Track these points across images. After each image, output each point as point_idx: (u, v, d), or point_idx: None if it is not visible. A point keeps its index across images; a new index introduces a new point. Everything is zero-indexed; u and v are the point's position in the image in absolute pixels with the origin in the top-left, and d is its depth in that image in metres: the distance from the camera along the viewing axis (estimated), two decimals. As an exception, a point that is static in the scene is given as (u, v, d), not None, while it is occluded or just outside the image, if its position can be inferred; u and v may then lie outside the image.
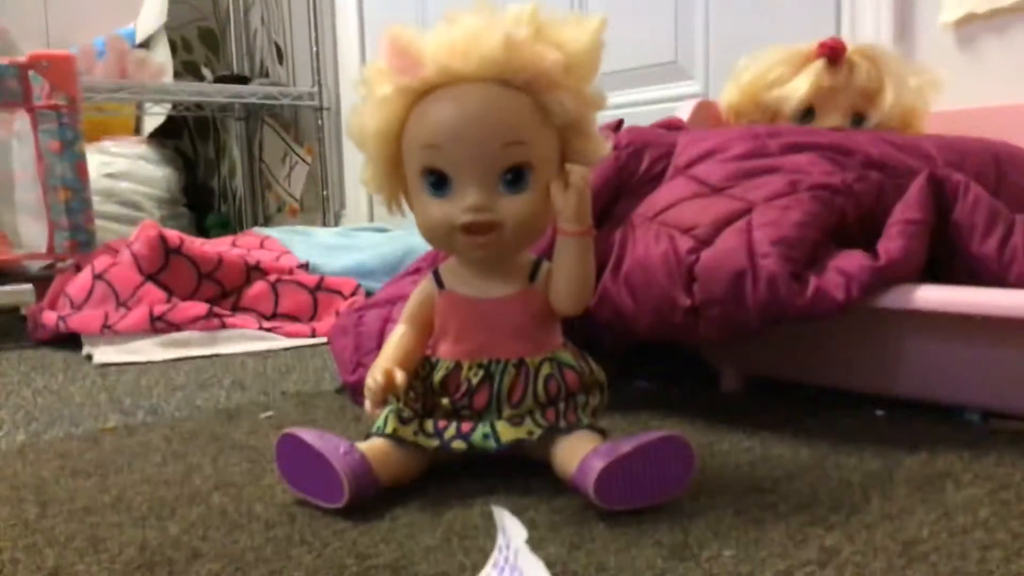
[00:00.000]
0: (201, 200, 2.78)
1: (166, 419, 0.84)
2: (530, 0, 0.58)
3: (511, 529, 0.50)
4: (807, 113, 1.03)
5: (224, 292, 1.37)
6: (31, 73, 1.45)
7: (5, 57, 1.48)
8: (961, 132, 0.94)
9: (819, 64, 1.01)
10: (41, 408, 0.91)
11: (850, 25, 1.28)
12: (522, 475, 0.61)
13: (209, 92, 2.29)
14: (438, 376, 0.62)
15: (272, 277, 1.39)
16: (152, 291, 1.30)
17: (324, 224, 2.31)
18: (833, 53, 1.01)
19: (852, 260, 0.70)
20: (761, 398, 0.82)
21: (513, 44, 0.56)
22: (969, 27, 1.17)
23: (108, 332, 1.24)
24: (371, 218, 2.24)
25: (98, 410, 0.89)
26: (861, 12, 1.27)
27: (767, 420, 0.75)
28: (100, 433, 0.79)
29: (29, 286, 1.55)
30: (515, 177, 0.58)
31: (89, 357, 1.19)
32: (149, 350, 1.19)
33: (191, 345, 1.22)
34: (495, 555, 0.48)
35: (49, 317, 1.31)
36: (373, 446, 0.60)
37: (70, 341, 1.28)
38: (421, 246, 1.43)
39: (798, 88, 1.01)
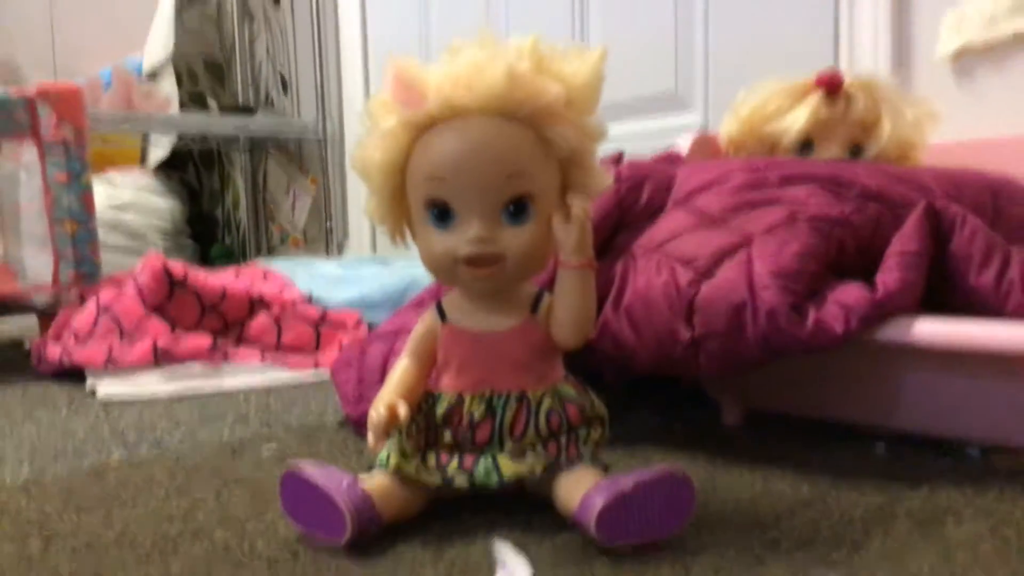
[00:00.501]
0: (205, 231, 2.80)
1: (169, 453, 0.84)
2: (531, 33, 0.59)
3: (513, 564, 0.51)
4: (806, 145, 1.04)
5: (227, 324, 1.37)
6: (39, 105, 1.47)
7: (13, 88, 1.50)
8: (959, 164, 0.95)
9: (817, 96, 1.02)
10: (45, 443, 0.91)
11: (848, 58, 1.30)
12: (524, 510, 0.61)
13: (214, 124, 2.31)
14: (440, 410, 0.63)
15: (275, 310, 1.39)
16: (156, 324, 1.31)
17: (327, 254, 2.32)
18: (831, 86, 1.02)
19: (851, 292, 0.71)
20: (763, 432, 0.82)
21: (515, 77, 0.57)
22: (966, 60, 1.19)
23: (112, 366, 1.24)
24: (374, 249, 2.25)
25: (101, 444, 0.89)
26: (859, 45, 1.28)
27: (769, 454, 0.75)
28: (104, 468, 0.80)
29: (33, 319, 1.56)
30: (517, 209, 0.59)
31: (93, 391, 1.19)
32: (152, 384, 1.20)
33: (194, 379, 1.22)
34: None
35: (53, 351, 1.32)
36: (376, 481, 0.60)
37: (74, 375, 1.28)
38: (424, 278, 1.44)
39: (796, 120, 1.02)
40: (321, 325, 1.38)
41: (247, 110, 2.45)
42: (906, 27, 1.24)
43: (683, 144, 1.17)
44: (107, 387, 1.18)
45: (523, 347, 0.62)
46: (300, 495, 0.59)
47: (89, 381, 1.23)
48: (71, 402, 1.13)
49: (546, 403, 0.62)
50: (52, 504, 0.69)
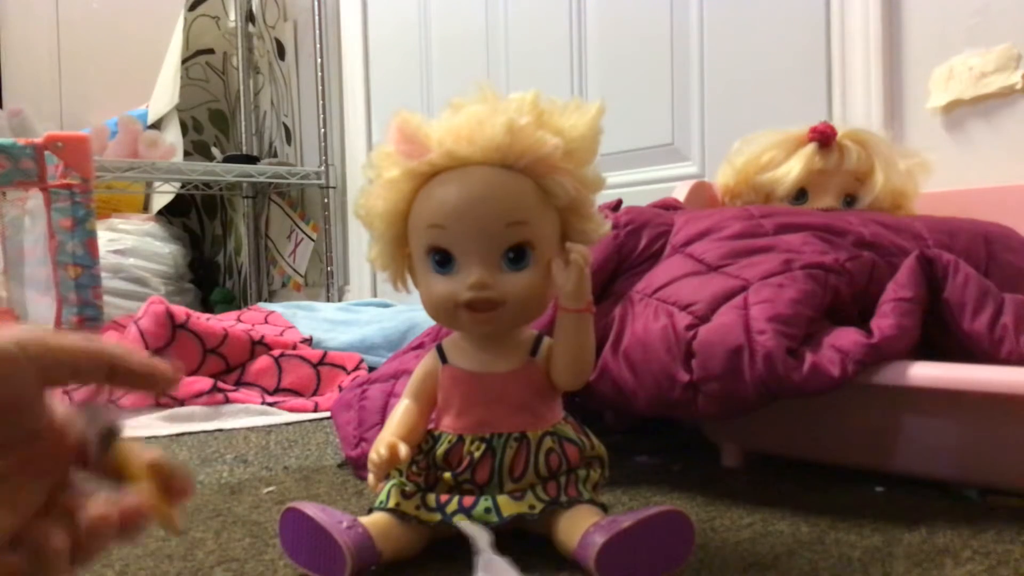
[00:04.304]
0: (207, 275, 2.82)
1: (169, 494, 0.84)
2: (531, 89, 0.61)
3: (481, 539, 0.51)
4: (800, 194, 1.06)
5: (229, 367, 1.38)
6: (46, 153, 1.50)
7: (22, 138, 1.53)
8: (950, 213, 0.96)
9: (811, 148, 1.04)
10: (44, 482, 0.91)
11: (841, 109, 1.33)
12: (523, 549, 0.61)
13: (218, 171, 2.34)
14: (440, 450, 0.63)
15: (276, 352, 1.40)
16: (157, 366, 1.32)
17: (328, 299, 2.34)
18: (824, 137, 1.04)
19: (846, 337, 0.72)
20: (761, 473, 0.83)
21: (515, 130, 0.59)
22: (957, 111, 1.22)
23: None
24: (374, 293, 2.26)
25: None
26: (852, 97, 1.31)
27: (767, 496, 0.75)
28: (103, 508, 0.80)
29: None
30: (517, 255, 0.60)
31: (92, 432, 1.19)
32: (152, 424, 1.20)
33: (194, 420, 1.22)
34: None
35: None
36: (375, 520, 0.60)
37: (74, 416, 1.28)
38: (424, 321, 1.45)
39: (791, 171, 1.04)
40: (321, 366, 1.39)
41: (251, 159, 2.48)
42: (897, 81, 1.27)
43: (680, 193, 1.19)
44: (107, 429, 1.18)
45: (523, 389, 0.63)
46: (300, 534, 0.59)
47: (89, 423, 1.23)
48: (71, 444, 1.13)
49: (546, 444, 0.63)
50: (51, 543, 0.69)
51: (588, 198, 0.63)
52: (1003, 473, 0.71)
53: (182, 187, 2.54)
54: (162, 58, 2.62)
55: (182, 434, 1.17)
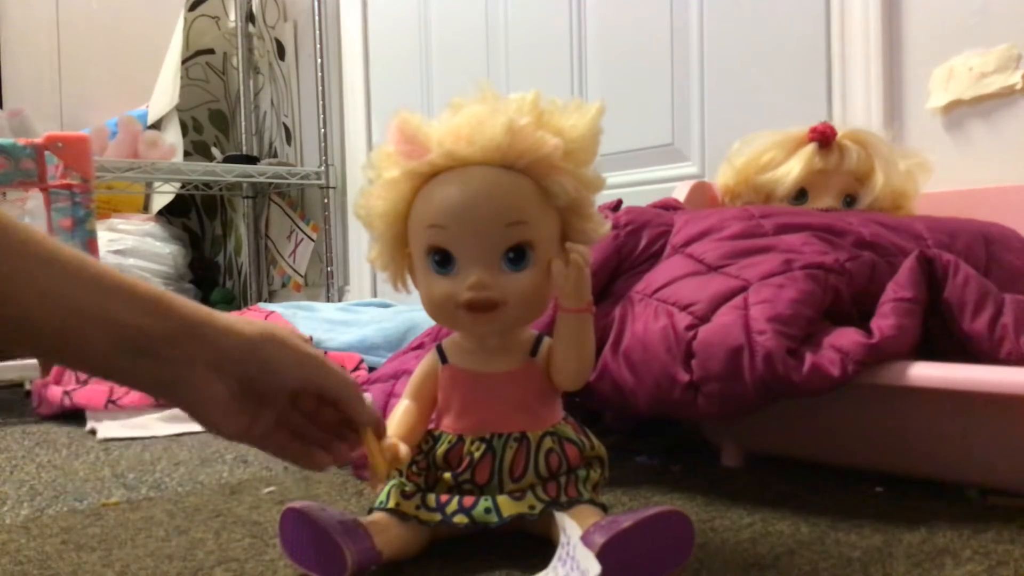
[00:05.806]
0: (207, 276, 2.81)
1: (169, 494, 0.84)
2: (531, 89, 0.61)
3: (570, 529, 0.53)
4: (800, 195, 1.06)
5: (228, 367, 1.38)
6: (46, 153, 1.49)
7: (22, 138, 1.53)
8: (950, 213, 0.96)
9: (811, 148, 1.04)
10: (45, 483, 0.91)
11: (841, 109, 1.32)
12: (524, 549, 0.61)
13: (218, 172, 2.34)
14: (441, 450, 0.63)
15: (276, 352, 1.39)
16: (157, 366, 1.32)
17: (328, 299, 2.33)
18: (824, 137, 1.04)
19: (846, 337, 0.72)
20: (761, 473, 0.83)
21: (515, 131, 0.59)
22: (956, 112, 1.21)
23: (112, 407, 1.24)
24: (374, 294, 2.26)
25: (102, 485, 0.89)
26: (852, 97, 1.31)
27: (767, 496, 0.75)
28: (103, 508, 0.80)
29: (34, 361, 1.56)
30: (517, 256, 0.60)
31: (93, 432, 1.19)
32: (152, 425, 1.20)
33: (194, 420, 1.22)
34: (559, 550, 0.52)
35: (54, 392, 1.32)
36: (375, 520, 0.60)
37: (74, 416, 1.28)
38: (424, 321, 1.45)
39: (791, 171, 1.04)
40: (321, 367, 1.38)
41: (251, 159, 2.48)
42: (897, 81, 1.27)
43: (680, 193, 1.19)
44: (107, 428, 1.18)
45: (523, 389, 0.63)
46: (300, 534, 0.59)
47: (89, 422, 1.23)
48: (71, 443, 1.13)
49: (546, 444, 0.63)
50: (52, 543, 0.69)
51: (588, 198, 0.63)
52: (1003, 473, 0.71)
53: (182, 187, 2.54)
54: (162, 58, 2.61)
55: (182, 434, 1.17)
